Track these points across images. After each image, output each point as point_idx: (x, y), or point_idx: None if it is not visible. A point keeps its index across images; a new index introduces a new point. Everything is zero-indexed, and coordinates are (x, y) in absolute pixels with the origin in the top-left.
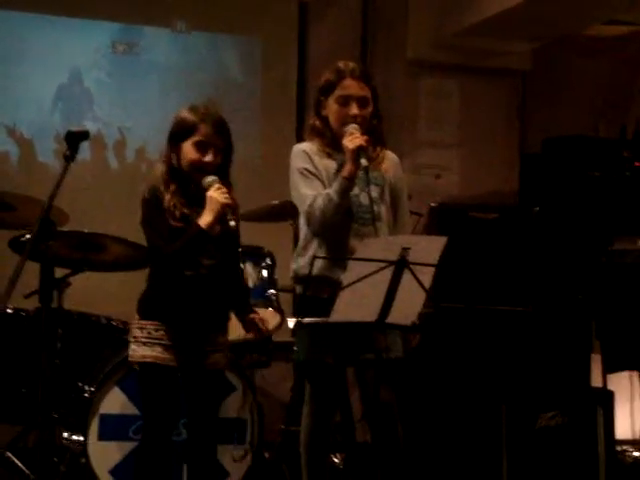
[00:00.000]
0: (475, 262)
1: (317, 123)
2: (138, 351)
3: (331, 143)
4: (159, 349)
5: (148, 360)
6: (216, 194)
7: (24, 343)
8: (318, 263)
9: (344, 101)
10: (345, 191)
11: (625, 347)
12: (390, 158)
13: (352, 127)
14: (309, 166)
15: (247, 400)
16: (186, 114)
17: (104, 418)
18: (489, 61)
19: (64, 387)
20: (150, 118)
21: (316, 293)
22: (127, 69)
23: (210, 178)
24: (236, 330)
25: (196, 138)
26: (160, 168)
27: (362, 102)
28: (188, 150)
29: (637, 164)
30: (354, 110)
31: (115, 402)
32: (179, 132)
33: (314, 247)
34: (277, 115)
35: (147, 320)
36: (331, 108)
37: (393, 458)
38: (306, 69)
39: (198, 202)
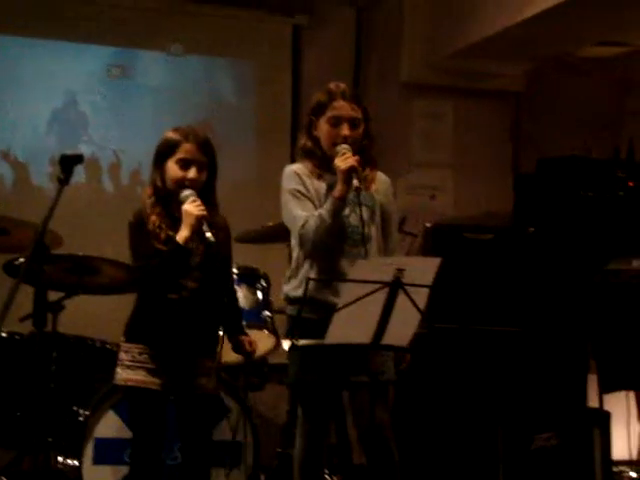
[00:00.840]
0: (470, 283)
1: (308, 143)
2: (122, 374)
3: (322, 164)
4: (143, 372)
5: (130, 384)
6: (190, 207)
7: (18, 367)
8: (310, 285)
9: (335, 122)
10: (337, 211)
11: (621, 367)
12: (381, 179)
13: (344, 147)
14: (300, 187)
15: (242, 423)
16: (169, 134)
17: (99, 442)
18: (482, 83)
19: (59, 411)
20: (145, 141)
21: (308, 314)
22: (122, 92)
23: (186, 192)
24: (231, 353)
25: (179, 156)
26: (146, 191)
27: (353, 123)
28: (171, 168)
29: (631, 184)
30: (345, 131)
31: (110, 426)
32: (162, 152)
33: (305, 269)
34: (271, 137)
35: (132, 343)
36: (322, 129)
37: None
38: (300, 92)
39: (180, 221)
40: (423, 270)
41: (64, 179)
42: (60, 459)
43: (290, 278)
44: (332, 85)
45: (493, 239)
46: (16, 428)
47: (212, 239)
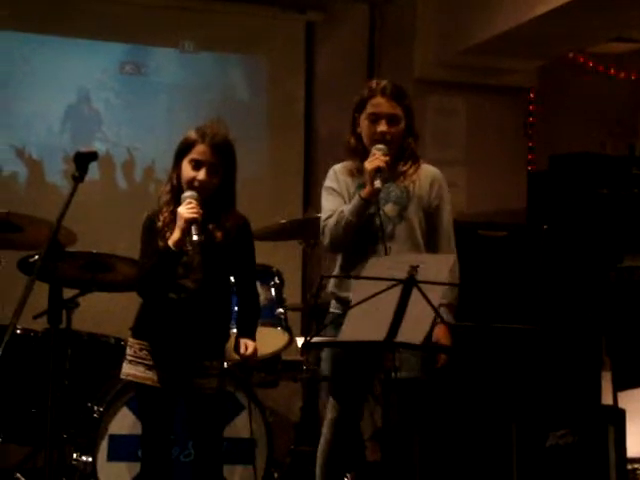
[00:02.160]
0: (484, 280)
1: (352, 141)
2: (125, 368)
3: (364, 160)
4: (141, 368)
5: (130, 378)
6: (182, 209)
7: (33, 363)
8: (331, 281)
9: (374, 118)
10: (359, 210)
11: (636, 364)
12: (425, 174)
13: (376, 148)
14: (333, 184)
15: (256, 420)
16: (189, 133)
17: (113, 438)
18: (496, 79)
19: (73, 407)
20: (158, 138)
21: (336, 309)
22: (135, 89)
23: (186, 194)
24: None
25: (191, 156)
26: (164, 188)
27: (392, 120)
28: (185, 168)
29: None
30: (382, 127)
31: (124, 422)
32: (180, 150)
33: (337, 268)
34: (284, 134)
35: (135, 339)
36: (362, 125)
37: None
38: (313, 88)
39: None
40: (437, 267)
41: (78, 176)
42: (75, 455)
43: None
44: (373, 82)
45: (507, 236)
46: (31, 424)
47: (197, 242)
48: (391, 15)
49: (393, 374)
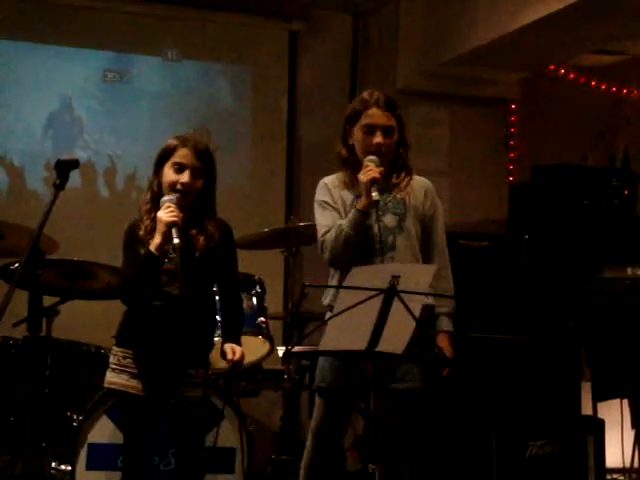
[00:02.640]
0: (465, 290)
1: (343, 152)
2: (108, 377)
3: (356, 171)
4: (125, 376)
5: (113, 387)
6: (161, 213)
7: (12, 371)
8: (330, 293)
9: (369, 130)
10: (357, 223)
11: (615, 375)
12: (419, 185)
13: (369, 159)
14: (327, 198)
15: (237, 429)
16: (170, 140)
17: (92, 447)
18: (478, 90)
19: (52, 416)
20: (140, 146)
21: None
22: (118, 97)
23: (165, 198)
24: (215, 360)
25: (174, 160)
26: (144, 196)
27: (387, 131)
28: (166, 172)
29: (626, 192)
30: (378, 139)
31: (104, 431)
32: (161, 156)
33: (334, 280)
34: (267, 143)
35: (119, 347)
36: (356, 137)
37: None
38: (296, 97)
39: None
40: (418, 277)
41: (60, 184)
42: (54, 464)
43: (328, 288)
44: (366, 93)
45: (488, 246)
46: (10, 433)
47: (178, 245)
48: (374, 25)
49: (394, 385)
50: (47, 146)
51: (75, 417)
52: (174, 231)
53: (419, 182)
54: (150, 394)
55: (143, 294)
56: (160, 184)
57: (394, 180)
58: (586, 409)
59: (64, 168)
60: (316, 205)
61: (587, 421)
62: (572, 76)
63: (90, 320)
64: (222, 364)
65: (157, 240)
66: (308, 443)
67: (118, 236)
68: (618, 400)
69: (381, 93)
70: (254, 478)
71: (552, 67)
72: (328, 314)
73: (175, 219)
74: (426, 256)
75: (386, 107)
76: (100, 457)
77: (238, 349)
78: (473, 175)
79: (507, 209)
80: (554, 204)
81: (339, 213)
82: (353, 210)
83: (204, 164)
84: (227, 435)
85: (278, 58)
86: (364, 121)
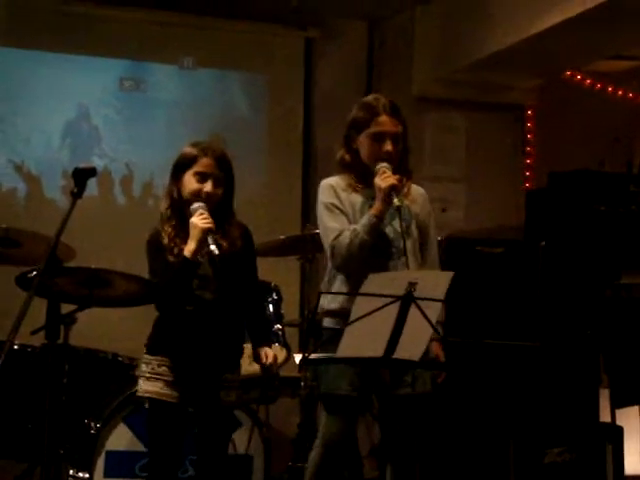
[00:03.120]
0: (481, 296)
1: (347, 157)
2: (143, 386)
3: (360, 177)
4: (160, 384)
5: (149, 395)
6: (196, 220)
7: (30, 379)
8: (340, 297)
9: (379, 137)
10: (373, 228)
11: (634, 381)
12: (417, 191)
13: (383, 166)
14: (335, 201)
15: (254, 436)
16: (188, 148)
17: (110, 455)
18: (494, 96)
19: (70, 423)
20: (157, 154)
21: (334, 326)
22: (134, 105)
23: (195, 205)
24: (246, 365)
25: (196, 169)
26: (163, 204)
27: (395, 139)
28: (188, 181)
29: None
30: (388, 147)
31: (121, 439)
32: (180, 164)
33: (339, 282)
34: (283, 150)
35: (152, 355)
36: (363, 143)
37: None
38: (312, 104)
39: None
40: (435, 284)
41: (77, 192)
42: (71, 472)
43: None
44: (372, 99)
45: (504, 252)
46: (28, 440)
47: (215, 252)
48: (390, 32)
49: (404, 390)
50: (64, 154)
51: (93, 425)
52: (210, 238)
53: (417, 189)
54: (185, 402)
55: (179, 300)
56: (179, 191)
57: (400, 189)
58: (604, 416)
59: (81, 176)
60: (322, 207)
61: (605, 428)
62: (589, 82)
63: (107, 328)
64: (252, 369)
65: (192, 246)
66: (315, 452)
67: (135, 244)
68: (637, 407)
69: (386, 98)
70: None
71: (569, 73)
72: (327, 320)
73: (210, 225)
74: (423, 262)
75: (394, 114)
76: (118, 464)
77: (270, 352)
78: (489, 181)
79: (524, 215)
80: (571, 210)
81: (347, 217)
82: (368, 215)
83: (225, 173)
84: (244, 442)
85: (294, 66)
86: (374, 129)
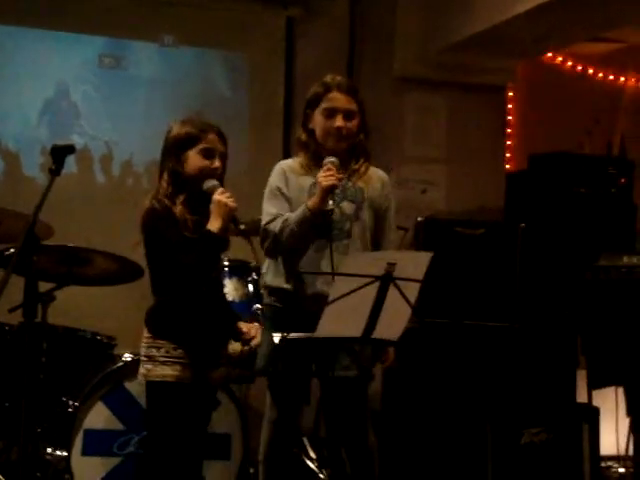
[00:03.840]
0: (461, 277)
1: (303, 136)
2: (156, 370)
3: (315, 156)
4: (179, 368)
5: (168, 379)
6: (223, 198)
7: (8, 357)
8: (273, 276)
9: (329, 113)
10: (305, 222)
11: (610, 363)
12: (376, 175)
13: (330, 161)
14: (281, 185)
15: (232, 415)
16: (186, 127)
17: (88, 433)
18: (476, 77)
19: (48, 402)
20: (137, 132)
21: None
22: (114, 83)
23: (211, 182)
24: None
25: (202, 146)
26: (164, 181)
27: (348, 115)
28: (194, 158)
29: (623, 181)
30: (339, 122)
31: (99, 417)
32: (183, 142)
33: (278, 261)
34: (264, 129)
35: (163, 339)
36: (317, 120)
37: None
38: (293, 83)
39: (202, 210)
40: (414, 264)
41: (55, 170)
42: (49, 450)
43: (267, 268)
44: (328, 77)
45: (484, 234)
46: (5, 418)
47: (245, 228)
48: (371, 12)
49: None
50: (43, 132)
51: (71, 403)
52: (238, 217)
53: (376, 173)
54: (198, 381)
55: (199, 277)
56: (183, 169)
57: (353, 166)
58: (581, 397)
59: (60, 154)
60: (267, 190)
61: (582, 409)
62: (569, 64)
63: (86, 306)
64: (230, 348)
65: (219, 224)
66: (265, 435)
67: (114, 222)
68: (613, 388)
69: (342, 78)
70: (250, 464)
71: (549, 55)
72: (269, 298)
73: (235, 204)
74: (376, 248)
75: (347, 91)
76: (96, 443)
77: (253, 326)
78: (470, 163)
79: (504, 197)
80: (551, 192)
81: (289, 203)
82: (304, 207)
83: (226, 148)
84: (223, 421)
85: (275, 44)
86: (325, 104)
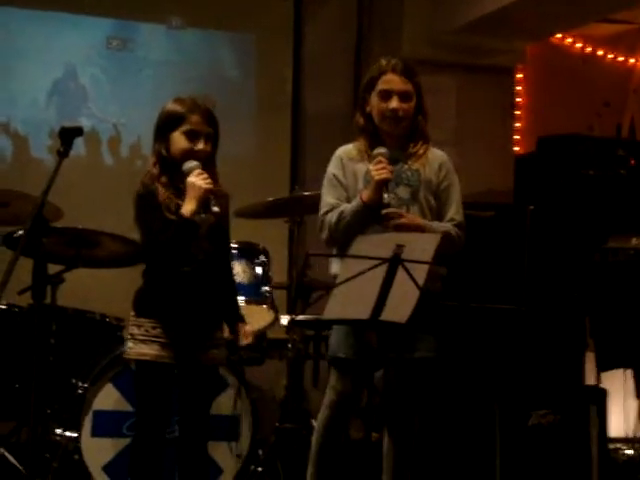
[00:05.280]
0: (469, 260)
1: (360, 120)
2: (135, 348)
3: (374, 140)
4: (156, 347)
5: (146, 358)
6: (197, 180)
7: (17, 339)
8: (336, 261)
9: (385, 95)
10: (360, 214)
11: (619, 345)
12: (434, 155)
13: (380, 153)
14: (338, 172)
15: (241, 397)
16: (173, 106)
17: (97, 414)
18: (485, 59)
19: (57, 383)
20: (144, 114)
21: None
22: (122, 65)
23: (191, 164)
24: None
25: (186, 127)
26: (150, 163)
27: (404, 96)
28: (178, 139)
29: (632, 162)
30: (394, 104)
31: (109, 399)
32: (168, 123)
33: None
34: (271, 112)
35: (144, 317)
36: (373, 103)
37: (405, 459)
38: (301, 66)
39: (185, 192)
40: (423, 246)
41: (63, 152)
42: (59, 431)
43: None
44: (383, 60)
45: (494, 217)
46: (15, 400)
47: (218, 212)
48: None
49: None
50: (51, 114)
51: (80, 384)
52: (212, 198)
53: (435, 154)
54: (180, 361)
55: (177, 259)
56: (168, 150)
57: (411, 149)
58: (590, 379)
59: (68, 136)
60: (326, 177)
61: (590, 391)
62: (579, 45)
63: (95, 288)
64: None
65: (192, 206)
66: (323, 415)
67: (123, 204)
68: (622, 370)
69: (399, 59)
70: (258, 446)
71: (559, 36)
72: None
73: (212, 186)
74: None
75: (403, 73)
76: (105, 424)
77: (249, 330)
78: (479, 145)
79: (513, 179)
80: (560, 174)
81: (346, 190)
82: (357, 199)
83: (214, 129)
84: (231, 403)
85: (283, 26)
86: (380, 87)
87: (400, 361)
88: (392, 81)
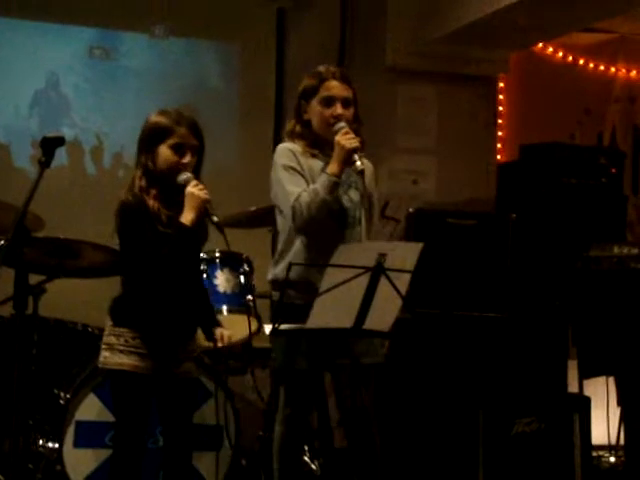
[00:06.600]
0: (452, 268)
1: (297, 127)
2: (113, 358)
3: (313, 145)
4: (135, 357)
5: (124, 368)
6: (196, 190)
7: None
8: (298, 268)
9: (328, 101)
10: (332, 187)
11: (601, 353)
12: (367, 164)
13: (343, 124)
14: (294, 164)
15: (224, 406)
16: (159, 118)
17: (80, 425)
18: (467, 68)
19: (39, 394)
20: (127, 124)
21: (293, 300)
22: (104, 74)
23: (185, 175)
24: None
25: (172, 140)
26: (137, 175)
27: (345, 103)
28: (165, 153)
29: (613, 171)
30: (338, 110)
31: (91, 409)
32: (153, 136)
33: (293, 252)
34: (255, 121)
35: (123, 327)
36: (314, 110)
37: (370, 464)
38: (284, 75)
39: (175, 204)
40: (405, 255)
41: (45, 161)
42: (41, 442)
43: (278, 261)
44: (322, 68)
45: (476, 225)
46: None
47: (218, 220)
48: (363, 3)
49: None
50: (33, 123)
51: (62, 395)
52: (209, 208)
53: (367, 162)
54: (157, 372)
55: (174, 270)
56: (154, 163)
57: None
58: (572, 387)
59: (50, 145)
60: (280, 169)
61: (573, 399)
62: (560, 54)
63: (77, 298)
64: (205, 343)
65: (191, 216)
66: (278, 428)
67: (105, 215)
68: (604, 378)
69: (336, 67)
70: (241, 455)
71: (540, 45)
72: (274, 293)
73: (209, 197)
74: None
75: (343, 79)
76: (87, 435)
77: (226, 333)
78: (461, 153)
79: (495, 188)
80: (542, 183)
81: (306, 180)
82: (325, 174)
83: (200, 141)
84: (214, 413)
85: (266, 36)
86: (323, 93)
87: (352, 367)
88: (335, 87)
